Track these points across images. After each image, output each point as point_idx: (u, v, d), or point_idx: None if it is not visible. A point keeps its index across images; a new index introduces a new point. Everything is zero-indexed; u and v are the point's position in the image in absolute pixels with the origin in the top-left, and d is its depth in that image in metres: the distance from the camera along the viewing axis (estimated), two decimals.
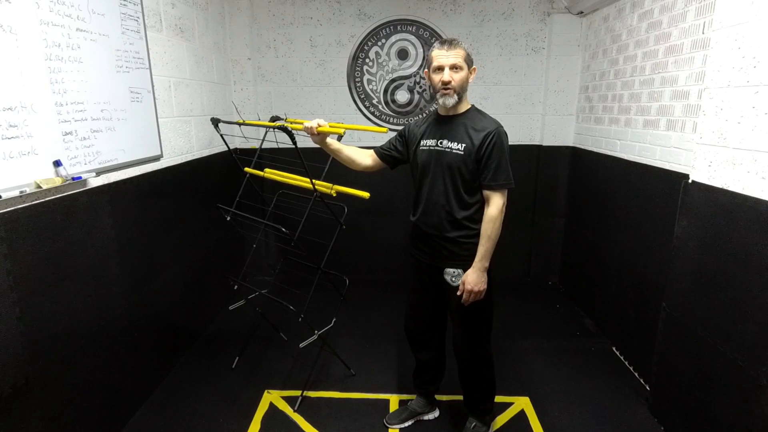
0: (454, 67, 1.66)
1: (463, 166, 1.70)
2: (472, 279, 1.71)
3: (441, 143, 1.75)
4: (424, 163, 1.80)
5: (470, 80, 1.73)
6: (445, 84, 1.67)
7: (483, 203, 1.74)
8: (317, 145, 1.88)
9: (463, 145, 1.70)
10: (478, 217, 1.74)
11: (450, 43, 1.67)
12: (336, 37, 3.51)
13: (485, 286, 1.74)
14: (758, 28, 1.53)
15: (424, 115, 1.91)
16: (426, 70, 1.77)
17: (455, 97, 1.69)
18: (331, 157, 2.06)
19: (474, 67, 1.74)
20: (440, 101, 1.73)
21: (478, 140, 1.68)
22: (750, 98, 1.56)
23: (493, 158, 1.67)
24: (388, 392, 2.36)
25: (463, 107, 1.77)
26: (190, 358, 2.67)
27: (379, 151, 1.97)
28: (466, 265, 1.75)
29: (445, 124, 1.78)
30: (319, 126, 1.78)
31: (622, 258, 2.71)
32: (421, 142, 1.82)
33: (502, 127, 1.72)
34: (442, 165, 1.74)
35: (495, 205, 1.69)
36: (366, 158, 1.97)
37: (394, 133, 2.01)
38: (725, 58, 1.67)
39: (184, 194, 2.67)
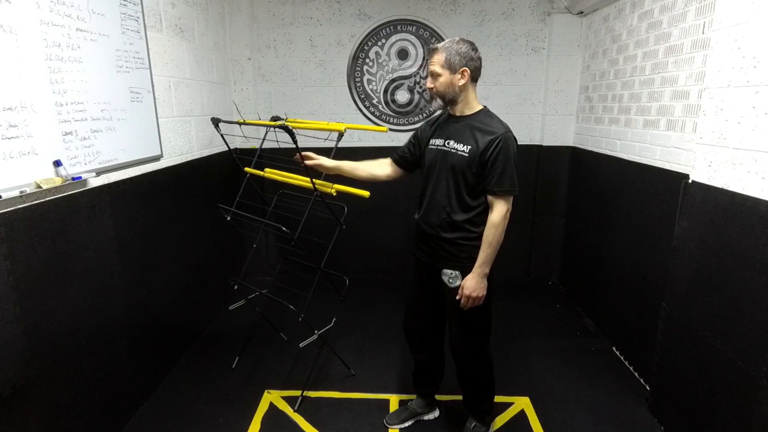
0: (431, 74, 1.72)
1: (467, 169, 1.69)
2: (471, 284, 1.70)
3: (447, 143, 1.75)
4: (430, 162, 1.81)
5: (460, 83, 1.69)
6: (429, 90, 1.76)
7: (486, 207, 1.72)
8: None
9: (468, 147, 1.69)
10: (478, 220, 1.72)
11: (432, 50, 1.72)
12: (336, 37, 3.51)
13: (484, 293, 1.72)
14: (758, 28, 1.53)
15: (437, 114, 1.92)
16: None
17: (438, 101, 1.75)
18: (331, 156, 2.06)
19: (464, 68, 1.68)
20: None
21: (484, 144, 1.66)
22: (750, 98, 1.56)
23: (498, 163, 1.64)
24: (388, 392, 2.36)
25: (473, 109, 1.76)
26: (190, 358, 2.67)
27: (394, 155, 2.00)
28: (463, 267, 1.74)
29: (453, 124, 1.78)
30: (313, 162, 1.92)
31: (622, 258, 2.71)
32: (430, 141, 1.83)
33: (510, 131, 1.69)
34: (446, 165, 1.74)
35: (498, 211, 1.67)
36: (385, 167, 2.01)
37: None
38: (725, 58, 1.67)
39: (184, 194, 2.67)
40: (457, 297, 1.74)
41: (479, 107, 1.77)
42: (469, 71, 1.69)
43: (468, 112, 1.76)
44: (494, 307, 1.88)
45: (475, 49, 1.70)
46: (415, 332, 2.05)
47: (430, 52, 1.72)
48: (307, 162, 1.93)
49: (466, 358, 1.91)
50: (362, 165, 1.99)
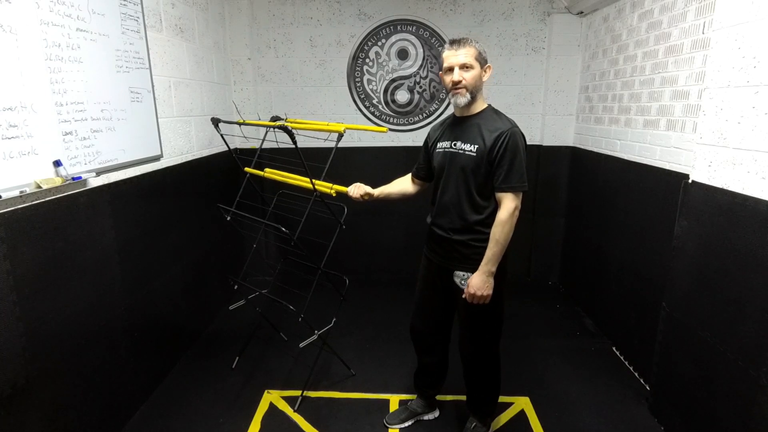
0: (464, 66, 1.65)
1: (476, 168, 1.67)
2: (476, 283, 1.68)
3: (455, 145, 1.74)
4: (439, 165, 1.80)
5: (484, 79, 1.70)
6: (455, 84, 1.66)
7: (497, 207, 1.70)
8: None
9: (476, 146, 1.67)
10: (490, 221, 1.70)
11: (459, 42, 1.66)
12: (336, 37, 3.51)
13: (490, 292, 1.69)
14: (758, 28, 1.53)
15: (443, 118, 1.91)
16: (440, 72, 1.76)
17: (467, 96, 1.68)
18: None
19: (489, 65, 1.71)
20: (452, 101, 1.73)
21: (491, 141, 1.64)
22: (750, 98, 1.56)
23: (506, 159, 1.63)
24: (388, 392, 2.36)
25: (479, 107, 1.74)
26: (190, 358, 2.67)
27: (413, 171, 2.01)
28: (475, 269, 1.71)
29: (459, 125, 1.76)
30: (366, 194, 1.88)
31: (622, 258, 2.70)
32: (437, 144, 1.82)
33: (517, 127, 1.68)
34: (455, 167, 1.73)
35: (506, 208, 1.66)
36: (410, 183, 2.03)
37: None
38: (725, 58, 1.67)
39: (184, 194, 2.67)
40: (463, 295, 1.73)
41: (485, 105, 1.76)
42: (491, 69, 1.71)
43: (476, 110, 1.74)
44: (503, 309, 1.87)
45: None
46: (423, 334, 2.03)
47: (459, 45, 1.65)
48: (361, 194, 1.90)
49: (473, 359, 1.91)
50: (392, 188, 2.02)
